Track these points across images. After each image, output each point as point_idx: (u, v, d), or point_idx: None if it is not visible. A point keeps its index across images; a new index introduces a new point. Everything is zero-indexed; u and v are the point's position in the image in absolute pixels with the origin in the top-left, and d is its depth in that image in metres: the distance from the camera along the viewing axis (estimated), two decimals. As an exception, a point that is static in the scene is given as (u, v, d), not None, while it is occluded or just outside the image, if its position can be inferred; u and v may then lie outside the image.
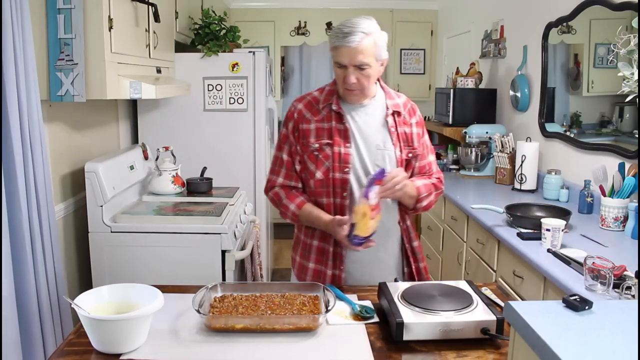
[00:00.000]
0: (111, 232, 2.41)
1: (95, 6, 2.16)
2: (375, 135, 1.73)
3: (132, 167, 2.73)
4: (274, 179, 1.81)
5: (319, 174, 1.72)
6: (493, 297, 1.59)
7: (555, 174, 2.87)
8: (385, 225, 1.72)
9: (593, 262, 1.59)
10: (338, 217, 1.65)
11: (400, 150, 1.73)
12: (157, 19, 2.61)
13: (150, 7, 2.61)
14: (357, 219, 1.57)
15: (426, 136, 1.85)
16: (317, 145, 1.71)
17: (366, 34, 1.60)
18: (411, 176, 1.79)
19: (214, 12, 3.52)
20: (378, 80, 1.79)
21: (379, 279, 1.67)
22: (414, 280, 1.82)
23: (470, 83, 3.86)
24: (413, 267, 1.83)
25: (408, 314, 1.34)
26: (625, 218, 2.25)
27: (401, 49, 5.79)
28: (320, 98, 1.77)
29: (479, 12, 4.35)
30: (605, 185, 2.33)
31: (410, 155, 1.76)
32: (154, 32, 2.74)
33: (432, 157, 1.87)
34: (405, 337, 1.31)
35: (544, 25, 3.10)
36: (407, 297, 1.43)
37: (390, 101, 1.77)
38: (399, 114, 1.76)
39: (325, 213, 1.72)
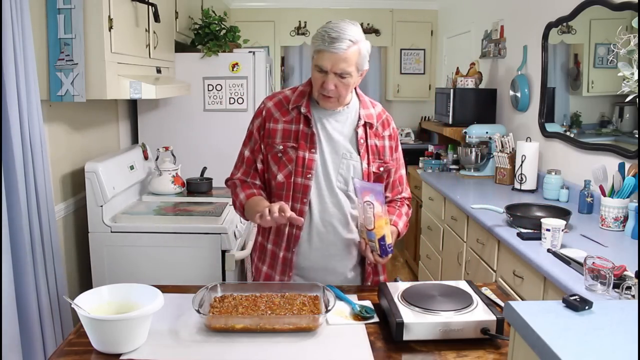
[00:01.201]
0: (111, 232, 2.41)
1: (95, 6, 2.16)
2: (343, 143, 1.67)
3: (132, 167, 2.73)
4: (233, 173, 1.79)
5: (280, 177, 1.66)
6: (493, 297, 1.59)
7: (555, 174, 2.87)
8: (344, 238, 1.70)
9: (593, 262, 1.59)
10: (282, 203, 1.54)
11: (368, 163, 1.68)
12: (157, 19, 2.61)
13: (150, 7, 2.61)
14: (385, 229, 1.55)
15: (400, 149, 1.80)
16: (281, 147, 1.66)
17: (353, 42, 1.53)
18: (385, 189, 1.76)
19: (214, 12, 3.52)
20: (355, 87, 1.73)
21: (330, 283, 1.66)
22: (371, 277, 1.79)
23: (470, 83, 3.86)
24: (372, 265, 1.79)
25: (408, 314, 1.34)
26: (625, 218, 2.25)
27: (401, 49, 5.79)
28: (291, 98, 1.70)
29: (479, 12, 4.35)
30: (605, 185, 2.33)
31: (381, 169, 1.71)
32: (154, 32, 2.74)
33: (402, 171, 1.82)
34: (405, 337, 1.31)
35: (544, 25, 3.10)
36: (407, 297, 1.43)
37: (364, 111, 1.70)
38: (371, 125, 1.70)
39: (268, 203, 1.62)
